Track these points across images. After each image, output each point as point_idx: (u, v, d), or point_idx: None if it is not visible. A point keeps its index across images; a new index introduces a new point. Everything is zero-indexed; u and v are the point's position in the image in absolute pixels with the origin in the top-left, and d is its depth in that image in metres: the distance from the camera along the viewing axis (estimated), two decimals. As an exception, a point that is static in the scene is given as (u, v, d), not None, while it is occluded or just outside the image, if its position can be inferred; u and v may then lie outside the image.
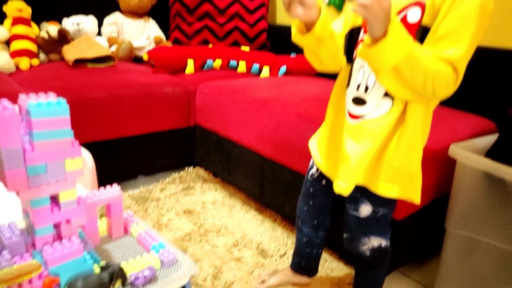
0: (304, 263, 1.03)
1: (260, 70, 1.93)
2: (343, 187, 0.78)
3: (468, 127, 1.18)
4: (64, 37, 1.70)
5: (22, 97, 0.70)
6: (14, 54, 1.57)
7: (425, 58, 0.62)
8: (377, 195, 0.77)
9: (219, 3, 2.16)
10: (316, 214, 0.94)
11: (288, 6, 0.67)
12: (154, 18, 2.11)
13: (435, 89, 0.64)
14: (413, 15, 0.66)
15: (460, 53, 0.62)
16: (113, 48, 1.88)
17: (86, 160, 1.11)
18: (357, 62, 0.76)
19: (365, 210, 0.81)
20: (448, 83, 0.64)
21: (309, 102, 1.35)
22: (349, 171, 0.77)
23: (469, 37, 0.62)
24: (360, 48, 0.64)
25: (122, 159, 1.57)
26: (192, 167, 1.78)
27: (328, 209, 0.93)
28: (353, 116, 0.76)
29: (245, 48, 2.15)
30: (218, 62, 1.91)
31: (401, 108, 0.71)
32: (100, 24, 1.97)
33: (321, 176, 0.90)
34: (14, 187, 0.64)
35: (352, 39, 0.77)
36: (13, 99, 1.23)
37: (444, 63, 0.62)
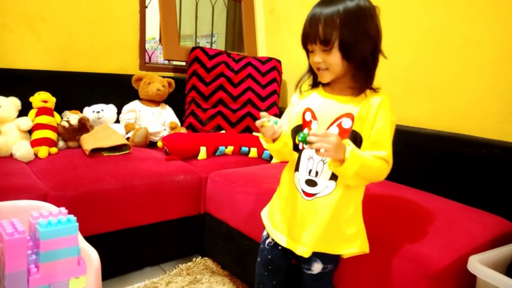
0: None
1: (271, 156, 1.96)
2: (305, 251, 0.96)
3: (484, 230, 1.14)
4: (83, 126, 1.78)
5: (33, 213, 0.71)
6: (34, 143, 1.63)
7: (370, 161, 0.88)
8: (326, 253, 0.97)
9: (232, 91, 2.28)
10: (274, 276, 1.10)
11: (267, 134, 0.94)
12: (170, 104, 2.21)
13: (379, 177, 0.93)
14: (346, 123, 0.92)
15: (388, 152, 0.90)
16: (130, 134, 1.96)
17: (92, 259, 1.09)
18: (305, 153, 0.98)
19: (317, 267, 0.99)
20: (385, 172, 0.92)
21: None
22: (309, 238, 0.95)
23: (389, 141, 0.91)
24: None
25: (129, 250, 1.54)
26: (200, 257, 1.73)
27: (284, 269, 1.09)
28: (307, 194, 0.96)
29: (257, 134, 2.21)
30: (230, 149, 1.95)
31: (343, 186, 0.94)
32: (119, 112, 2.07)
33: (277, 243, 1.06)
34: (14, 313, 0.62)
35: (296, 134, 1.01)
36: (27, 193, 1.26)
37: (381, 160, 0.90)
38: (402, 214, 1.19)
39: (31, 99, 1.78)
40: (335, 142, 0.82)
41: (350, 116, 0.91)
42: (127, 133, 1.98)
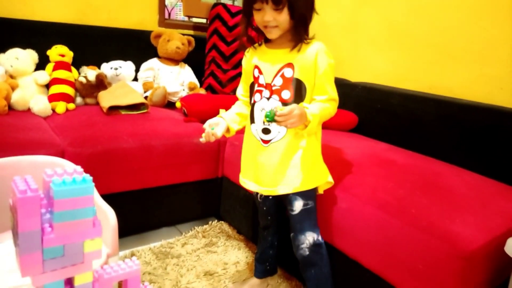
0: (269, 265, 1.29)
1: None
2: (270, 190, 1.09)
3: (521, 209, 1.07)
4: (101, 82, 1.73)
5: (47, 171, 0.67)
6: (52, 98, 1.60)
7: (323, 109, 1.01)
8: (303, 191, 1.07)
9: (254, 52, 2.17)
10: (271, 221, 1.23)
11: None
12: (189, 63, 2.14)
13: (332, 115, 1.05)
14: (288, 73, 1.02)
15: (333, 91, 1.04)
16: (148, 93, 1.91)
17: (109, 217, 1.07)
18: (258, 106, 1.07)
19: (298, 205, 1.08)
20: (335, 109, 1.05)
21: (344, 165, 1.28)
22: (270, 179, 1.07)
23: (332, 82, 1.04)
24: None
25: (146, 209, 1.53)
26: (216, 220, 1.72)
27: (278, 214, 1.22)
28: (265, 141, 1.07)
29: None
30: (250, 112, 1.88)
31: (293, 130, 1.03)
32: (137, 69, 2.01)
33: (267, 196, 1.18)
34: (29, 273, 0.60)
35: (252, 90, 1.12)
36: (45, 149, 1.24)
37: (329, 101, 1.03)
38: (432, 189, 1.12)
39: (48, 52, 1.73)
40: (298, 114, 0.94)
41: (291, 66, 1.01)
42: (145, 92, 1.93)
